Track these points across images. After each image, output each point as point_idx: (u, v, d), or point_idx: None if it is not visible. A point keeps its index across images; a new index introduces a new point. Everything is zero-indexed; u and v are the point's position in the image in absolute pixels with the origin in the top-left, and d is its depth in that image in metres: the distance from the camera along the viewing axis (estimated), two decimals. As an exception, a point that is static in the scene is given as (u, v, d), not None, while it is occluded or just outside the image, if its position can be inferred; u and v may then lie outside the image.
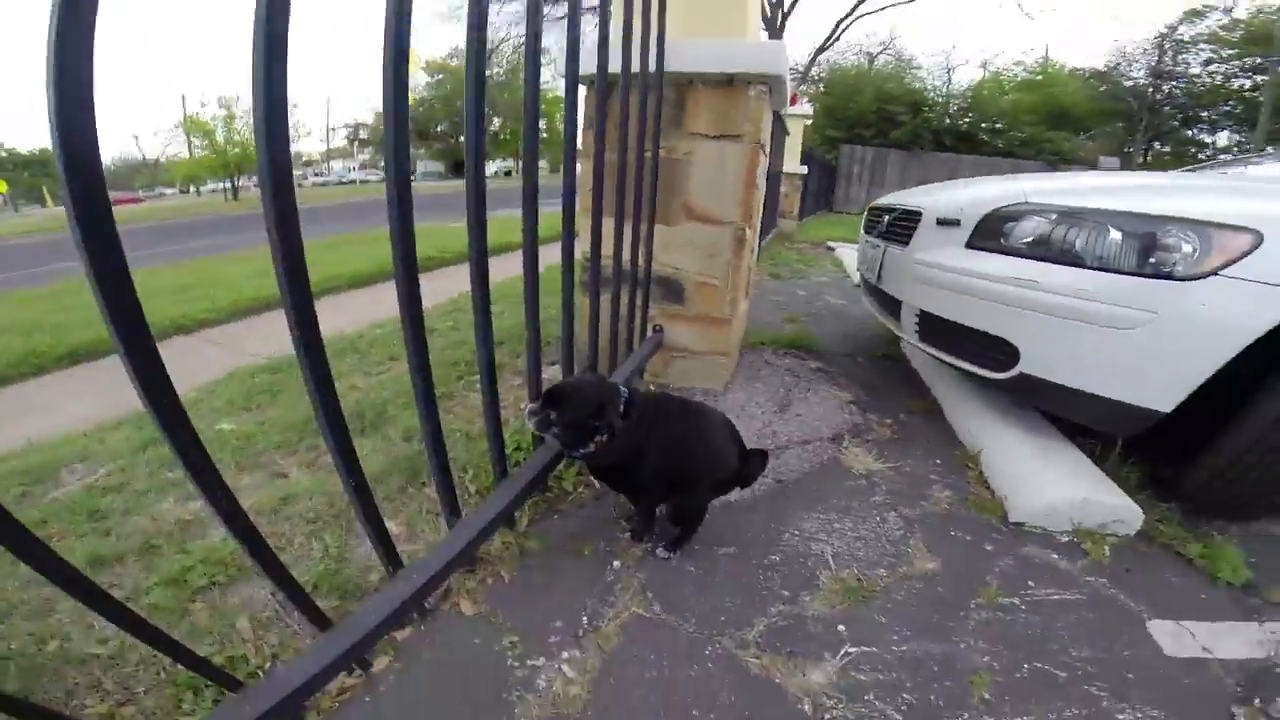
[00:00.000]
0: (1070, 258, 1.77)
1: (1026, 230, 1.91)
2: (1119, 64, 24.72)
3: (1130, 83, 24.37)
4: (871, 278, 2.86)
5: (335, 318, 4.02)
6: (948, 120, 21.22)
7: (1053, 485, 1.76)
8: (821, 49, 25.08)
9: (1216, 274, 1.52)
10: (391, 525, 1.58)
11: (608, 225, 1.82)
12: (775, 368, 3.02)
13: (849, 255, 6.69)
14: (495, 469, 1.54)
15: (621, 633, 1.31)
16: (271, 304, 4.98)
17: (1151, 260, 1.60)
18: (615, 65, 1.73)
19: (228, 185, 31.09)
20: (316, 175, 57.14)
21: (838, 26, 24.23)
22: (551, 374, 2.26)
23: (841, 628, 1.35)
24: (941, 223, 2.27)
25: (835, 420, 2.40)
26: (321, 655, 1.00)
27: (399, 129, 0.97)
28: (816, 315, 4.22)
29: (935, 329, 2.23)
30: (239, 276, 6.25)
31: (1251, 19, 20.88)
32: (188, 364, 3.61)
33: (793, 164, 9.59)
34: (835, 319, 4.15)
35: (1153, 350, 1.61)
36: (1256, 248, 1.49)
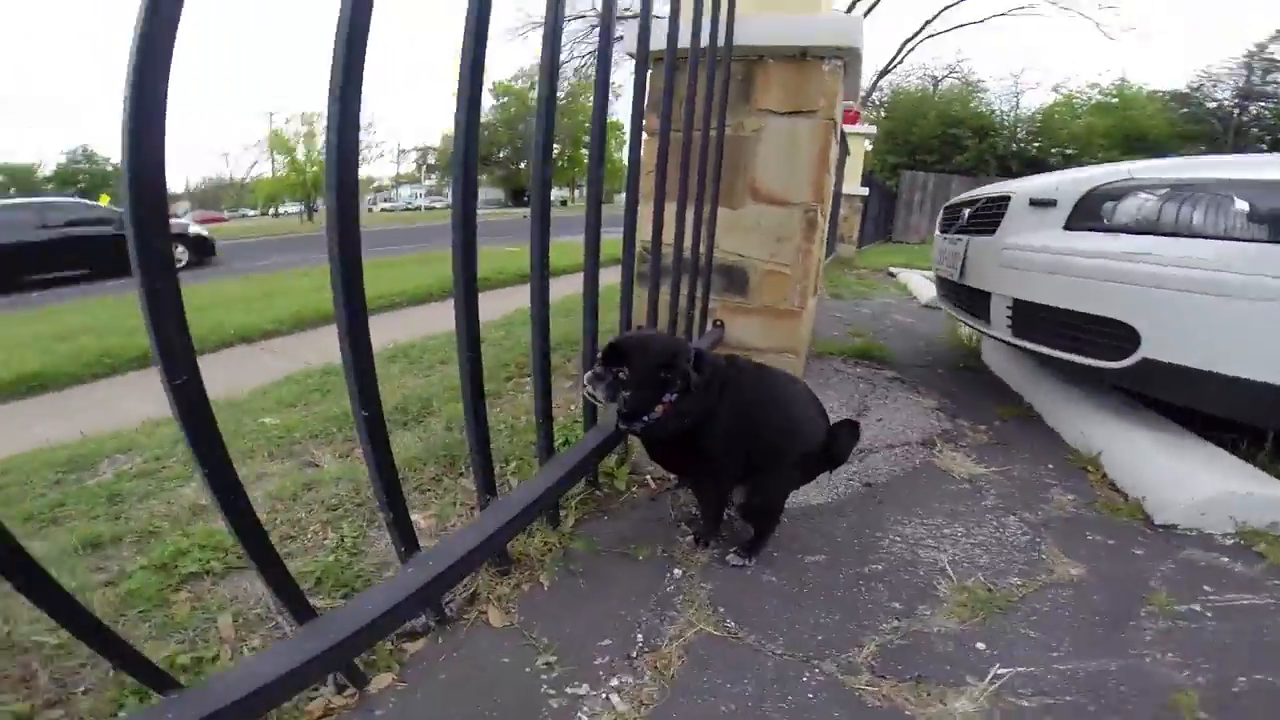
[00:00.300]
0: (1187, 235, 1.58)
1: (1132, 208, 1.72)
2: (1203, 85, 23.25)
3: (1214, 104, 22.88)
4: (954, 275, 2.60)
5: (393, 331, 3.95)
6: (1015, 145, 20.44)
7: (1206, 481, 1.49)
8: (884, 72, 24.74)
9: None
10: (418, 518, 1.41)
11: (669, 210, 1.68)
12: (846, 375, 2.76)
13: (914, 279, 6.35)
14: (540, 453, 1.33)
15: (686, 654, 1.07)
16: (331, 318, 5.02)
17: None
18: (684, 41, 1.64)
19: (303, 207, 31.77)
20: (386, 201, 57.76)
21: (902, 49, 23.93)
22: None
23: (981, 645, 1.10)
24: (1035, 203, 2.07)
25: (922, 425, 2.13)
26: (288, 657, 0.75)
27: (469, 137, 0.96)
28: (884, 331, 3.92)
29: (1032, 319, 2.00)
30: (300, 290, 6.42)
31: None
32: (247, 370, 3.63)
33: (853, 185, 9.27)
34: (904, 335, 3.85)
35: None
36: None
